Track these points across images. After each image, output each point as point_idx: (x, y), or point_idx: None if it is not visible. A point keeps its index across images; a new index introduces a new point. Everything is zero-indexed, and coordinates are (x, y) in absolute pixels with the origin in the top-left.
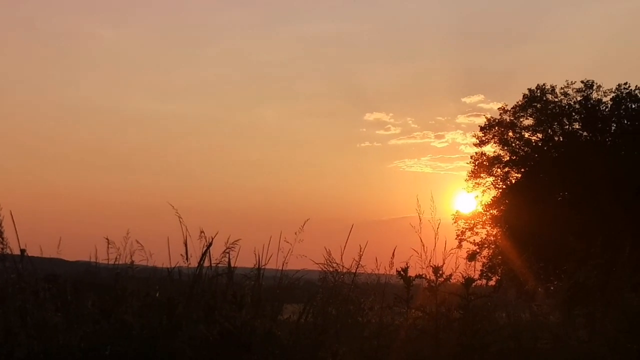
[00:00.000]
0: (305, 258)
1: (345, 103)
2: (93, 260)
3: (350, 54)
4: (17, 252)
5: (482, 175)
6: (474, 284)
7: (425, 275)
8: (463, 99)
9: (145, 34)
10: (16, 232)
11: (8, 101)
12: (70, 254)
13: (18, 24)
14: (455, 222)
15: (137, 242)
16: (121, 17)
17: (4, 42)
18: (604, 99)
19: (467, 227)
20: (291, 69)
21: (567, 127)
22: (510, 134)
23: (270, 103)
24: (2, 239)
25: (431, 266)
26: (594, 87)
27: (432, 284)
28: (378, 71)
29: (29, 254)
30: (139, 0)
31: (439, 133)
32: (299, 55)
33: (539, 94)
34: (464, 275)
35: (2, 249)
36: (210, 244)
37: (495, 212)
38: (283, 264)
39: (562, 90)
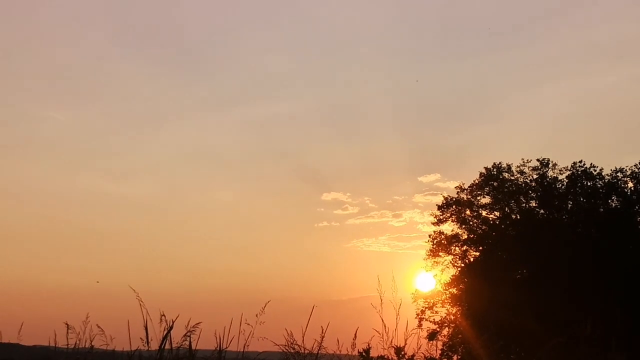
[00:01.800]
0: (266, 340)
1: (302, 183)
2: (52, 344)
3: (305, 134)
4: None
5: (440, 253)
6: None
7: (388, 356)
8: (419, 178)
9: (99, 117)
10: None
11: None
12: (28, 339)
13: None
14: (414, 301)
15: (98, 326)
16: (75, 100)
17: None
18: (560, 177)
19: (426, 305)
20: (245, 150)
21: (524, 205)
22: (468, 212)
23: (225, 184)
24: None
25: (393, 347)
26: (550, 165)
27: None
28: (334, 151)
29: None
30: (92, 84)
31: (397, 212)
32: (252, 136)
33: (495, 173)
34: (426, 355)
35: None
36: (171, 327)
37: (454, 290)
38: (244, 346)
39: (518, 169)
